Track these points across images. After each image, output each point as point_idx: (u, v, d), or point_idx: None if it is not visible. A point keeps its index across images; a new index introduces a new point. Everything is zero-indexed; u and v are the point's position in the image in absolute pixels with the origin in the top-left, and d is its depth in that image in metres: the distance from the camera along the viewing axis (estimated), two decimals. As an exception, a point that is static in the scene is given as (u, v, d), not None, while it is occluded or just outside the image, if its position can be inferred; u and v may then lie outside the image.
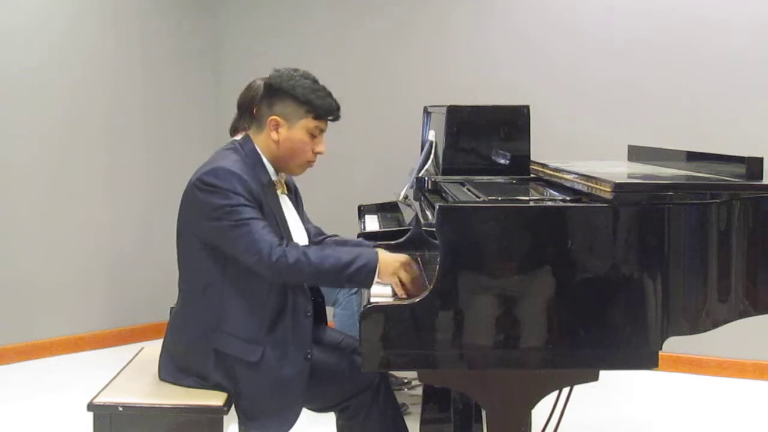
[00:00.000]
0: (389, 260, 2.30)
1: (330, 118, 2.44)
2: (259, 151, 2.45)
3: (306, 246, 2.39)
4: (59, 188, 4.69)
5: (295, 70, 2.44)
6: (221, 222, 2.30)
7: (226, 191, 2.30)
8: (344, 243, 2.66)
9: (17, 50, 4.50)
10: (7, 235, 4.53)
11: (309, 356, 2.42)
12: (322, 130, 2.45)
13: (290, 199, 2.60)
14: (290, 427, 2.43)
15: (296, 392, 2.40)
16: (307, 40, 5.12)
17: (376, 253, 2.31)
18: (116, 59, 4.87)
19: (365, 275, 2.28)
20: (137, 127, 4.98)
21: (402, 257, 2.32)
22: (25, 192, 4.58)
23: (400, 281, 2.28)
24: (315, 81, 2.44)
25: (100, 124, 4.83)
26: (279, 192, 2.50)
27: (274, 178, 2.48)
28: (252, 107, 3.38)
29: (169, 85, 5.07)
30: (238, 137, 3.28)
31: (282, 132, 2.41)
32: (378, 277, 2.28)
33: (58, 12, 4.65)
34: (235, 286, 2.36)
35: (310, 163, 2.49)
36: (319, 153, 2.47)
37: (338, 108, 2.45)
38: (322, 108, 2.40)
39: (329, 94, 2.43)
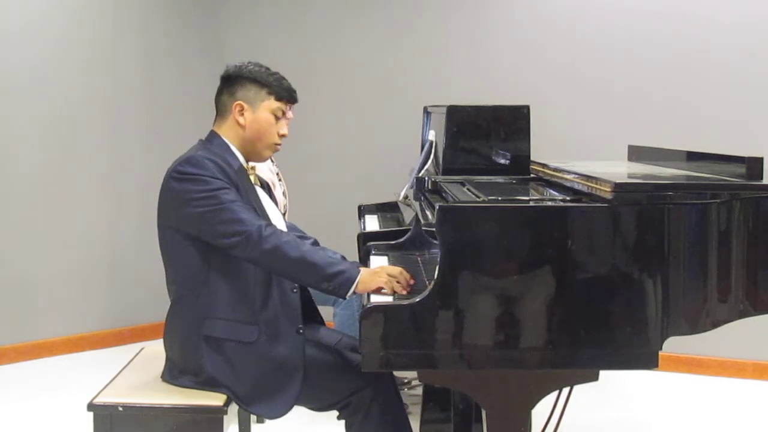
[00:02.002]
0: (371, 273, 2.33)
1: (289, 99, 2.54)
2: (227, 141, 2.51)
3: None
4: (59, 188, 4.69)
5: (249, 61, 2.56)
6: (202, 208, 2.33)
7: (202, 177, 2.35)
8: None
9: (17, 50, 4.50)
10: (7, 234, 4.53)
11: (301, 330, 2.44)
12: (284, 112, 2.54)
13: (264, 191, 2.65)
14: (290, 407, 2.42)
15: (294, 368, 2.41)
16: (308, 40, 5.12)
17: (359, 268, 2.34)
18: (116, 59, 4.87)
19: (345, 281, 2.29)
20: (137, 127, 4.98)
21: (382, 272, 2.34)
22: (25, 191, 4.58)
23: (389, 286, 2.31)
24: (269, 68, 2.56)
25: (100, 124, 4.83)
26: (252, 179, 2.56)
27: (244, 164, 2.53)
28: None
29: (169, 85, 5.07)
30: None
31: (247, 115, 2.50)
32: (356, 290, 2.30)
33: (58, 12, 4.65)
34: (221, 272, 2.38)
35: (276, 146, 2.56)
36: (284, 135, 2.56)
37: (295, 90, 2.56)
38: (282, 89, 2.52)
39: (284, 78, 2.55)
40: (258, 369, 2.39)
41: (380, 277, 2.31)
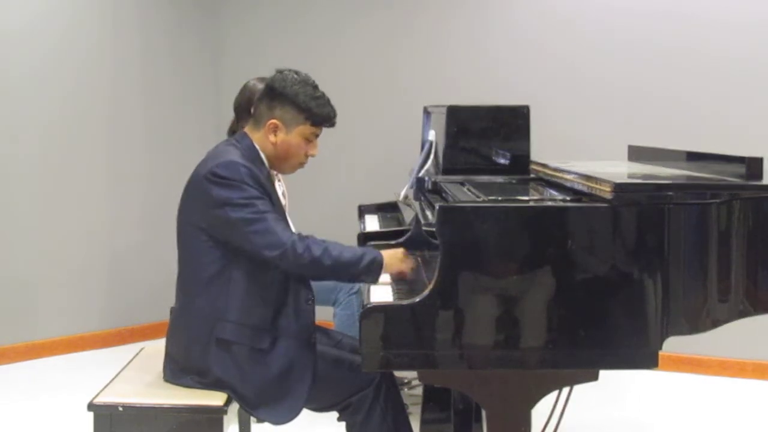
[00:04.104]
0: (391, 255, 2.47)
1: (328, 125, 2.53)
2: (257, 147, 2.50)
3: (322, 239, 2.44)
4: (59, 188, 4.69)
5: (297, 74, 2.50)
6: (236, 215, 2.33)
7: (239, 183, 2.35)
8: None
9: (17, 50, 4.50)
10: (7, 235, 4.53)
11: (313, 340, 2.46)
12: (316, 135, 2.53)
13: None
14: (296, 414, 2.43)
15: (303, 377, 2.42)
16: (308, 40, 5.12)
17: (378, 251, 2.45)
18: (116, 59, 4.87)
19: (376, 268, 2.40)
20: (137, 127, 4.98)
21: (398, 252, 2.52)
22: (25, 192, 4.58)
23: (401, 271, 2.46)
24: (315, 87, 2.50)
25: (100, 124, 4.83)
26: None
27: (270, 172, 2.55)
28: (249, 107, 3.38)
29: (169, 85, 5.07)
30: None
31: (280, 135, 2.48)
32: (385, 270, 2.41)
33: (58, 12, 4.65)
34: (241, 275, 2.39)
35: (301, 165, 2.58)
36: (312, 155, 2.56)
37: (335, 115, 2.53)
38: (321, 116, 2.48)
39: (328, 101, 2.51)
40: (267, 374, 2.40)
41: (398, 260, 2.46)
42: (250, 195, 2.34)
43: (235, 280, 2.39)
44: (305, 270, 2.38)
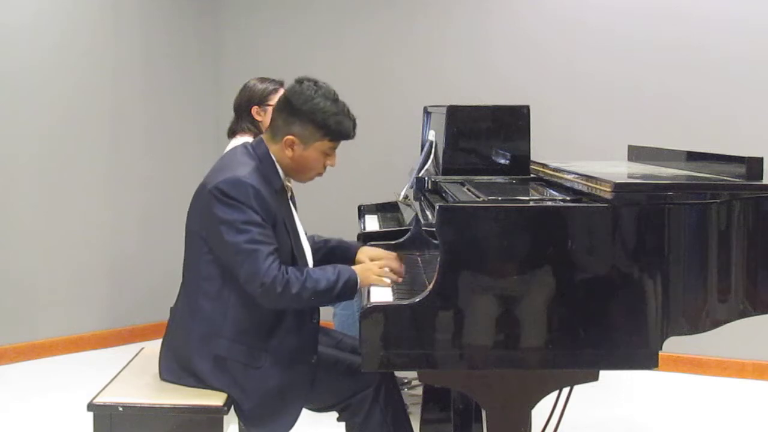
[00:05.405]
0: (363, 269, 2.42)
1: (346, 139, 2.49)
2: (274, 158, 2.46)
3: (298, 268, 2.39)
4: (59, 188, 4.69)
5: (316, 85, 2.43)
6: (230, 239, 2.29)
7: (242, 206, 2.30)
8: (326, 241, 2.76)
9: (17, 50, 4.50)
10: (7, 235, 4.53)
11: (313, 361, 2.44)
12: (334, 148, 2.49)
13: (292, 202, 2.61)
14: (290, 428, 2.44)
15: (298, 396, 2.42)
16: (308, 40, 5.12)
17: (352, 269, 2.40)
18: (116, 59, 4.87)
19: (351, 287, 2.36)
20: (137, 127, 4.98)
21: (369, 265, 2.48)
22: (25, 192, 4.58)
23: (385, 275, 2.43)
24: (335, 100, 2.44)
25: (100, 124, 4.83)
26: (289, 196, 2.54)
27: (285, 183, 2.51)
28: (249, 107, 3.38)
29: (169, 85, 5.07)
30: (239, 138, 3.29)
31: (296, 150, 2.43)
32: (360, 286, 2.38)
33: (58, 12, 4.65)
34: (237, 296, 2.36)
35: (319, 175, 2.54)
36: (331, 166, 2.52)
37: (355, 128, 2.48)
38: (339, 132, 2.44)
39: (347, 115, 2.45)
40: (263, 393, 2.39)
41: (372, 273, 2.41)
42: (250, 220, 2.29)
43: (233, 298, 2.37)
44: (285, 305, 2.33)
